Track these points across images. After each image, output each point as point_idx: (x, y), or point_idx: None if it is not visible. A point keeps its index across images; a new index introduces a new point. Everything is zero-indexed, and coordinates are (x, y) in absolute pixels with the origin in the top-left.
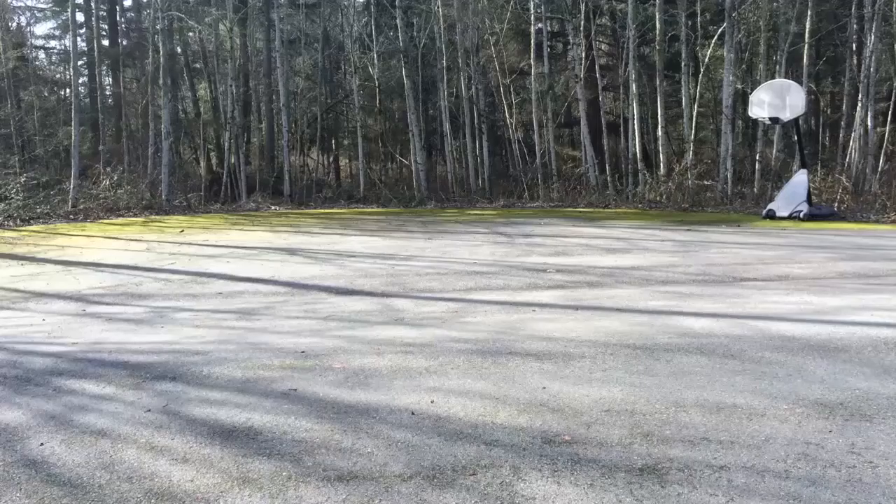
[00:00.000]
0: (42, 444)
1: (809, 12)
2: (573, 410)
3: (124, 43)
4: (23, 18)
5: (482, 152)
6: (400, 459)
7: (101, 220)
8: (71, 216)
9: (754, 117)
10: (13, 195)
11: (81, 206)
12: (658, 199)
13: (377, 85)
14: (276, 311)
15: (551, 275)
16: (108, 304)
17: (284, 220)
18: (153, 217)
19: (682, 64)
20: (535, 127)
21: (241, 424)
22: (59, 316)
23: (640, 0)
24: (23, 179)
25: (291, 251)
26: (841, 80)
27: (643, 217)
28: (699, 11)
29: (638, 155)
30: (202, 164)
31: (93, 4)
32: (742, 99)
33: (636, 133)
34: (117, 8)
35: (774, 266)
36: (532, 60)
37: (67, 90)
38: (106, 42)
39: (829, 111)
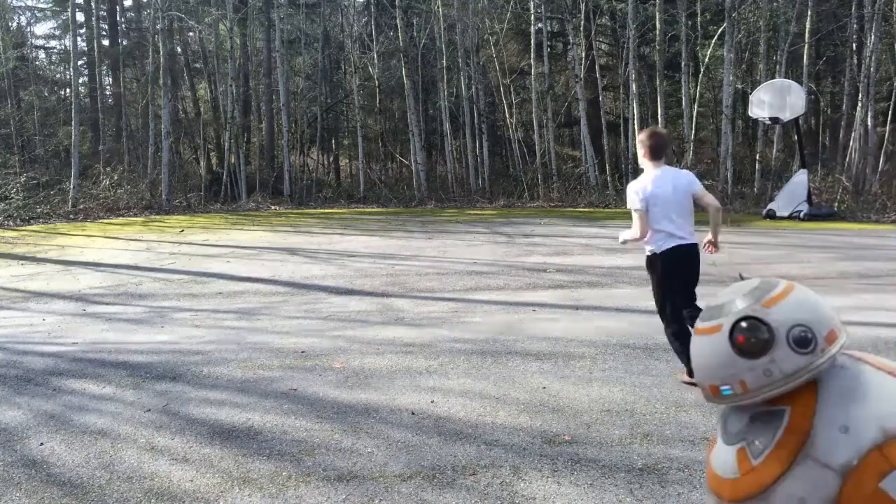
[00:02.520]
0: (42, 444)
1: (809, 12)
2: (573, 410)
3: (124, 43)
4: (23, 18)
5: (482, 152)
6: (400, 459)
7: (101, 220)
8: (71, 216)
9: (754, 117)
10: (13, 195)
11: (81, 206)
12: None
13: (377, 85)
14: (276, 311)
15: (551, 275)
16: (108, 303)
17: (284, 220)
18: (153, 217)
19: (682, 64)
20: (535, 127)
21: (241, 424)
22: (59, 316)
23: (640, 0)
24: (23, 179)
25: (291, 251)
26: (841, 80)
27: None
28: (699, 11)
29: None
30: (202, 163)
31: (93, 4)
32: (742, 99)
33: (636, 133)
34: (117, 8)
35: (774, 266)
36: (532, 60)
37: (67, 90)
38: (106, 42)
39: (829, 111)
